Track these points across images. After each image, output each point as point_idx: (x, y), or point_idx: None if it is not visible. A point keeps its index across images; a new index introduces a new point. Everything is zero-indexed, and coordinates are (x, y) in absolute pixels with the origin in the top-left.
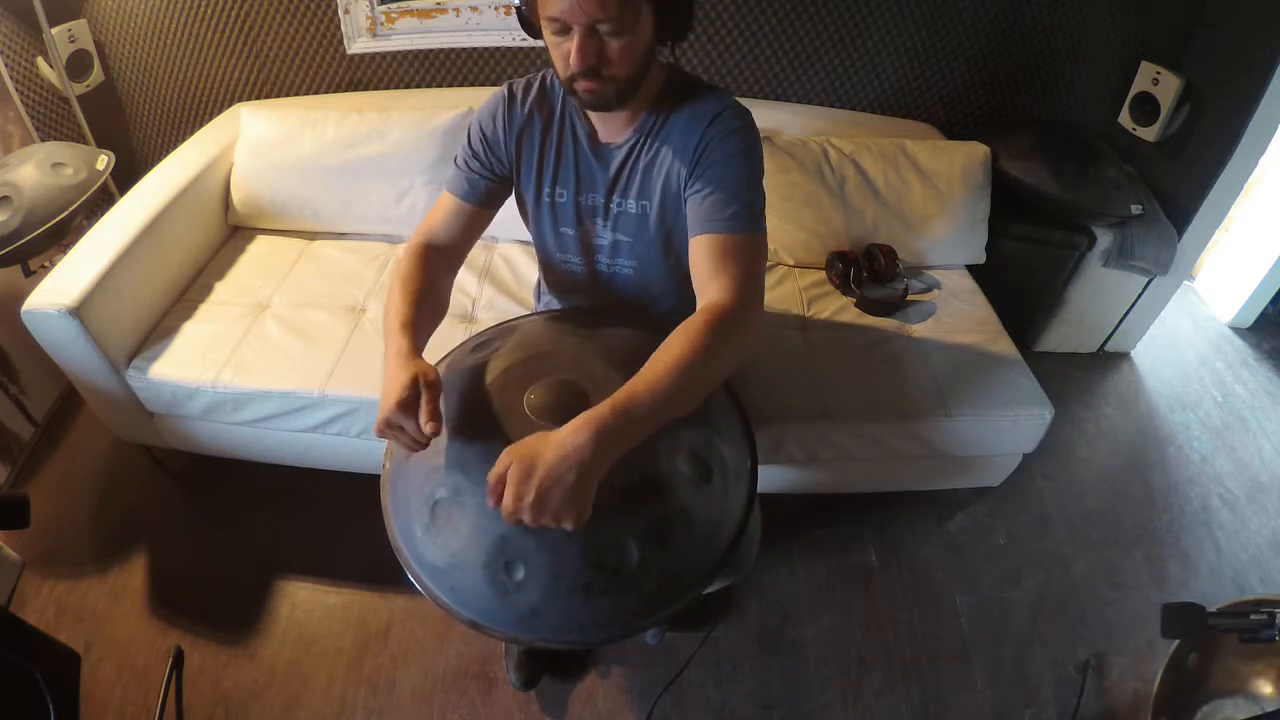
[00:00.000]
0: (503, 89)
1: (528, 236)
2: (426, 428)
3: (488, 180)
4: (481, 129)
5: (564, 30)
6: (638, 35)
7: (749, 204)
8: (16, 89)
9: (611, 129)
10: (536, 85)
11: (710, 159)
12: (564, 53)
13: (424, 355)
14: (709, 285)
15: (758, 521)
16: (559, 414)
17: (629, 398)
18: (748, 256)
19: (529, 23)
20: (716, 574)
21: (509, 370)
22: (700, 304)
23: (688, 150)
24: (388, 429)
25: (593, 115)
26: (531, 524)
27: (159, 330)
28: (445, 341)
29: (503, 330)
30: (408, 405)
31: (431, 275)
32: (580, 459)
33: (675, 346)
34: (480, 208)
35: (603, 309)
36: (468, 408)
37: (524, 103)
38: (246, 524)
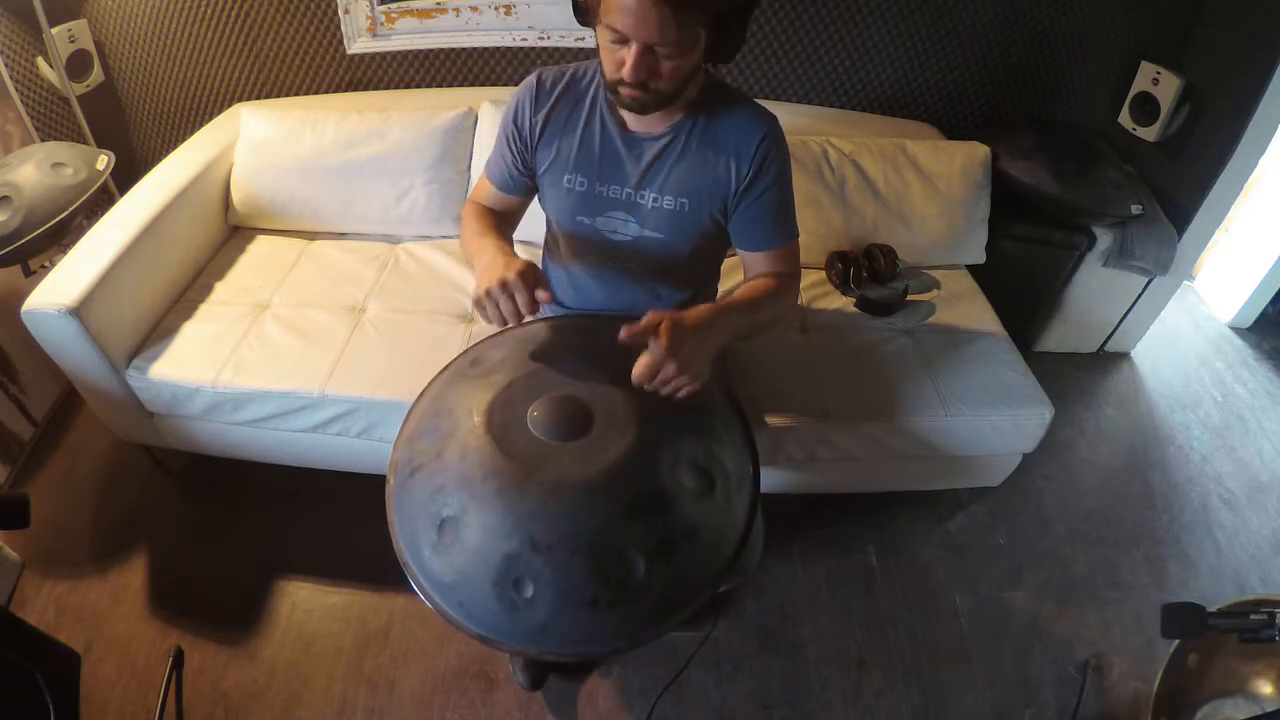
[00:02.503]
0: (532, 77)
1: (528, 236)
2: (542, 295)
3: (522, 174)
4: (513, 117)
5: (621, 41)
6: (690, 57)
7: (793, 215)
8: (16, 89)
9: (644, 122)
10: (567, 75)
11: (766, 180)
12: (617, 59)
13: (420, 363)
14: (771, 269)
15: (760, 525)
16: (563, 429)
17: (728, 306)
18: (794, 251)
19: (582, 13)
20: (721, 583)
21: (510, 386)
22: (766, 274)
23: (744, 163)
24: (500, 291)
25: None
26: (674, 378)
27: (159, 330)
28: (446, 342)
29: (500, 343)
30: (527, 276)
31: (496, 221)
32: (719, 333)
33: (754, 290)
34: (519, 198)
35: (601, 317)
36: (471, 426)
37: (552, 90)
38: (246, 524)
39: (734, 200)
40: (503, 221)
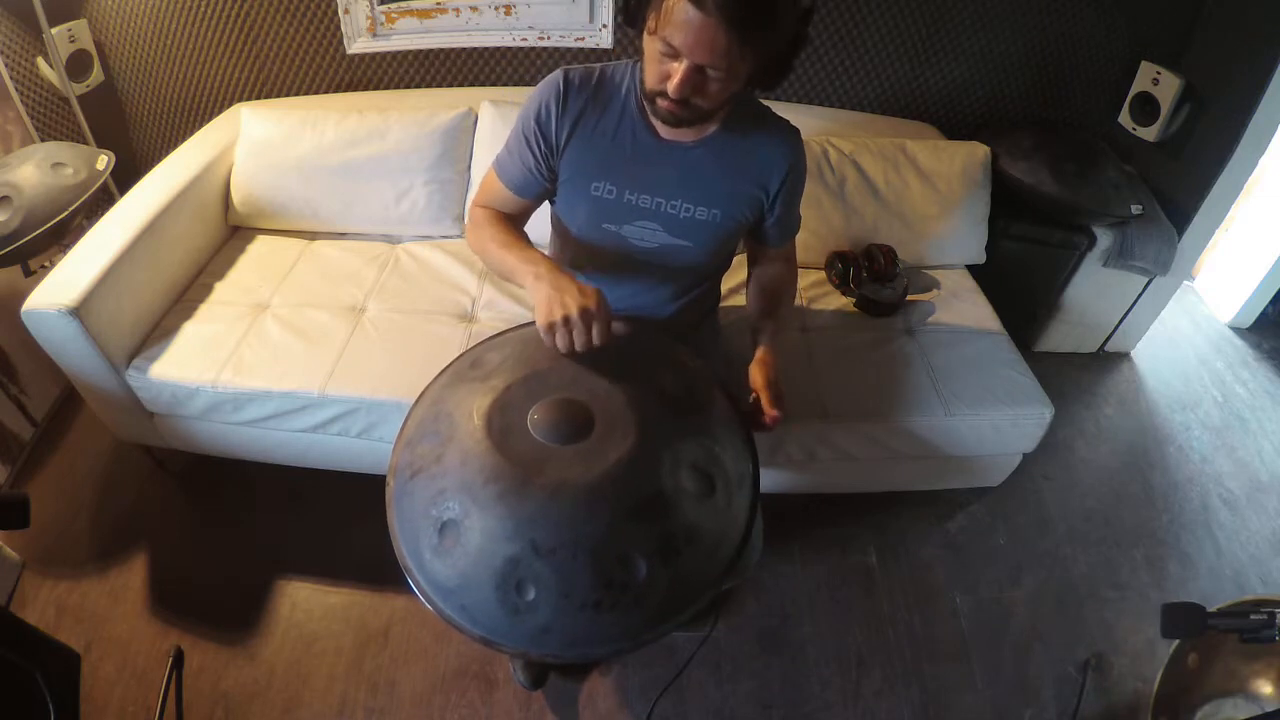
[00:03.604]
0: (557, 77)
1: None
2: (619, 328)
3: (544, 178)
4: (536, 116)
5: (673, 56)
6: (738, 81)
7: (800, 214)
8: (16, 89)
9: (677, 132)
10: (596, 76)
11: (793, 191)
12: (663, 71)
13: (420, 363)
14: (778, 259)
15: (760, 525)
16: (563, 432)
17: (778, 334)
18: (794, 243)
19: (633, 16)
20: (722, 584)
21: (510, 390)
22: (773, 265)
23: (778, 182)
24: (580, 320)
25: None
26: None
27: (159, 330)
28: (446, 342)
29: (499, 344)
30: (604, 307)
31: (518, 228)
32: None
33: (777, 294)
34: (534, 200)
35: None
36: (471, 430)
37: (581, 91)
38: (246, 524)
39: (766, 212)
40: (517, 227)
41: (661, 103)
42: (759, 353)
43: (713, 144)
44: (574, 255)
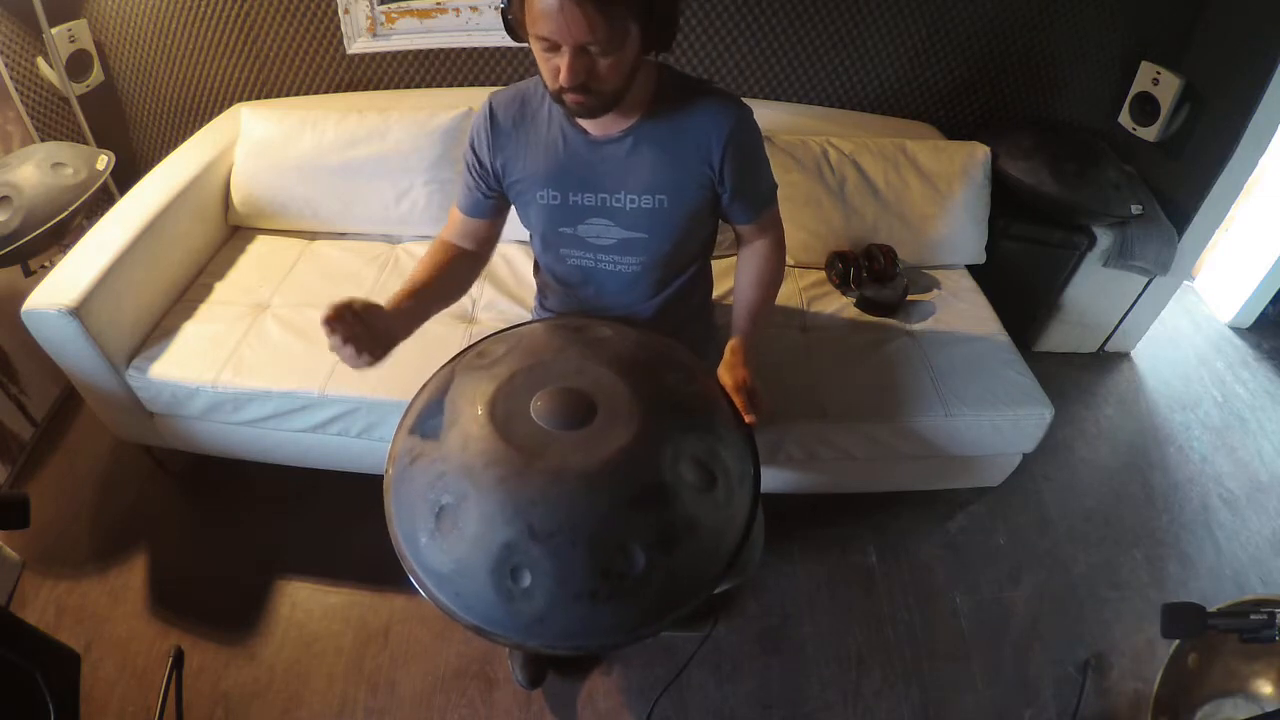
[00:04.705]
0: (485, 105)
1: (526, 237)
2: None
3: (489, 197)
4: (472, 147)
5: (553, 48)
6: (626, 51)
7: (772, 184)
8: (16, 89)
9: (604, 125)
10: (520, 96)
11: (745, 164)
12: (553, 67)
13: (420, 363)
14: (757, 240)
15: (760, 525)
16: (566, 419)
17: (754, 329)
18: (776, 217)
19: (514, 30)
20: (721, 580)
21: (514, 378)
22: (752, 247)
23: (720, 155)
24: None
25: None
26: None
27: (159, 330)
28: (445, 342)
29: (505, 338)
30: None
31: (450, 263)
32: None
33: (760, 280)
34: (489, 220)
35: (601, 315)
36: (474, 415)
37: (506, 114)
38: (246, 524)
39: (718, 187)
40: (471, 258)
41: (566, 98)
42: (727, 353)
43: (642, 130)
44: (548, 262)
